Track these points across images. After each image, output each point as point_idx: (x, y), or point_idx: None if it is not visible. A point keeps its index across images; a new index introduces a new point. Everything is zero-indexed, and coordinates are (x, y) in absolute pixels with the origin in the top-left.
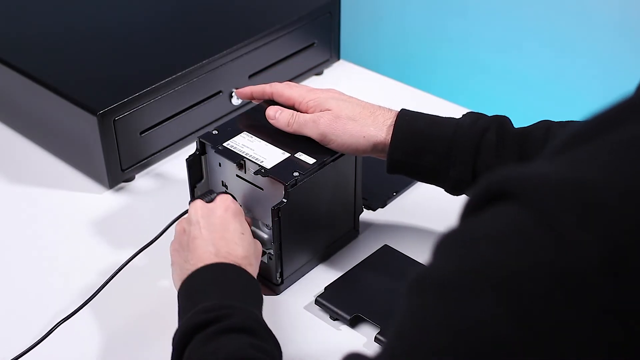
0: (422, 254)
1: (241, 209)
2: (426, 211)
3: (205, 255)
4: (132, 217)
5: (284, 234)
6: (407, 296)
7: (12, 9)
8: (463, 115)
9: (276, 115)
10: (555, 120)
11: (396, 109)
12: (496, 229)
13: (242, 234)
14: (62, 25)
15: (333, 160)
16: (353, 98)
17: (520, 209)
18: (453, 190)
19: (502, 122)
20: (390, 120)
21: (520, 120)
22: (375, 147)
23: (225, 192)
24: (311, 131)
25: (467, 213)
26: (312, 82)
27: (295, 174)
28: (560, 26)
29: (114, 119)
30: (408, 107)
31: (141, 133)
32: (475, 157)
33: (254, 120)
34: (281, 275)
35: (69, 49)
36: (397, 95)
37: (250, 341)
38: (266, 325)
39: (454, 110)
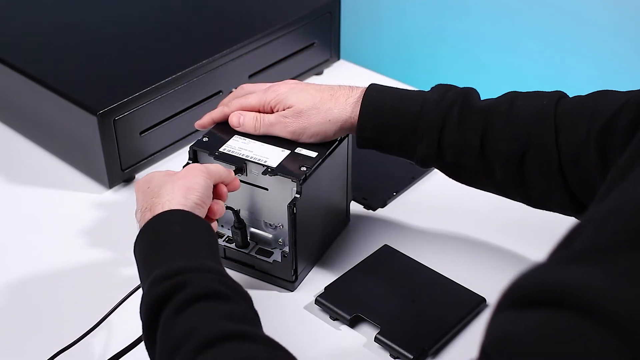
0: (422, 254)
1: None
2: (426, 211)
3: (143, 214)
4: (132, 217)
5: (297, 229)
6: None
7: (12, 8)
8: (432, 88)
9: (240, 121)
10: (522, 91)
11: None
12: (570, 348)
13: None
14: (62, 25)
15: (332, 151)
16: (310, 85)
17: (597, 328)
18: (421, 164)
19: (467, 96)
20: (353, 97)
21: None
22: (343, 127)
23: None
24: (280, 132)
25: (514, 306)
26: (312, 81)
27: (303, 168)
28: (560, 26)
29: (114, 119)
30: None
31: (141, 133)
32: (440, 133)
33: None
34: (295, 272)
35: (69, 49)
36: None
37: (218, 309)
38: (227, 276)
39: None
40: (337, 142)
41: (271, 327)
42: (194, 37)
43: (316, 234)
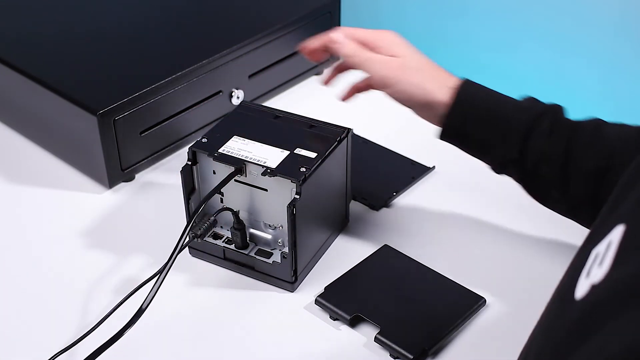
0: (422, 254)
1: None
2: (426, 211)
3: None
4: (132, 217)
5: (297, 230)
6: None
7: (11, 7)
8: (523, 98)
9: (343, 40)
10: (608, 121)
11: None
12: None
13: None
14: (61, 25)
15: (332, 151)
16: (421, 53)
17: None
18: (498, 167)
19: (557, 110)
20: (451, 82)
21: None
22: (429, 104)
23: None
24: (375, 70)
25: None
26: (312, 82)
27: (303, 169)
28: (560, 27)
29: (114, 119)
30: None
31: (141, 133)
32: (527, 139)
33: (240, 123)
34: (295, 273)
35: (68, 48)
36: None
37: None
38: None
39: None
40: (336, 142)
41: (271, 328)
42: (194, 37)
43: (316, 235)
